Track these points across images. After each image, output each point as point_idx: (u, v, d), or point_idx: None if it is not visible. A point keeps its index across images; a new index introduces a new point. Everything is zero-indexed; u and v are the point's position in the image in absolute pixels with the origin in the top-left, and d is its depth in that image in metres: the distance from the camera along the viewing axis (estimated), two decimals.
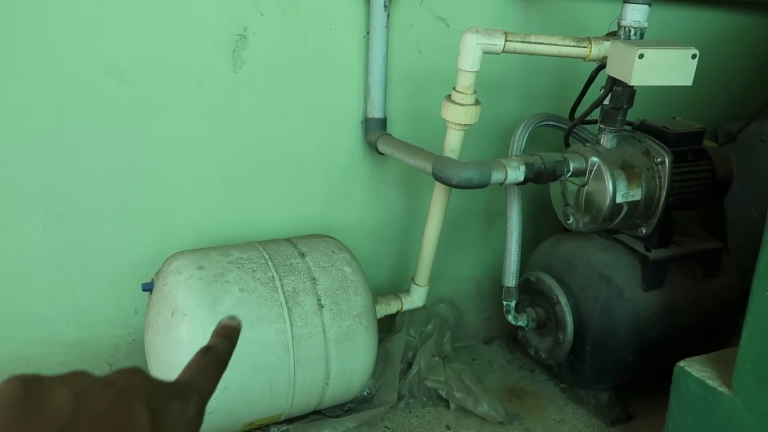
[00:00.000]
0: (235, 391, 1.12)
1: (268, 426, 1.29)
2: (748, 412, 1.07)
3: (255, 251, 1.24)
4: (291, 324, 1.17)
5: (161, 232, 1.33)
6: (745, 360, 1.06)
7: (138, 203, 1.29)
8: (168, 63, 1.23)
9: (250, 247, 1.26)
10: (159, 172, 1.29)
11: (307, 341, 1.19)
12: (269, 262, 1.22)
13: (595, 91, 1.40)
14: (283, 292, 1.19)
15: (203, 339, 1.15)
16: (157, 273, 1.22)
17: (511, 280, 1.45)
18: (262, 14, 1.28)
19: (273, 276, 1.20)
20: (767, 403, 1.04)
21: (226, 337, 0.37)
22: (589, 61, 1.28)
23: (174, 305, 1.12)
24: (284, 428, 1.29)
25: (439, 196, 1.38)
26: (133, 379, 0.30)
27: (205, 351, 0.36)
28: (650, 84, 1.17)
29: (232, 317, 0.38)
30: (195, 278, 1.14)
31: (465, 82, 1.23)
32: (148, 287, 1.22)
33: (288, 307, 1.18)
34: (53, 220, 1.23)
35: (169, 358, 1.11)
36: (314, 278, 1.24)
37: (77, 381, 0.28)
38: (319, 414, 1.36)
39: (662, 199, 1.34)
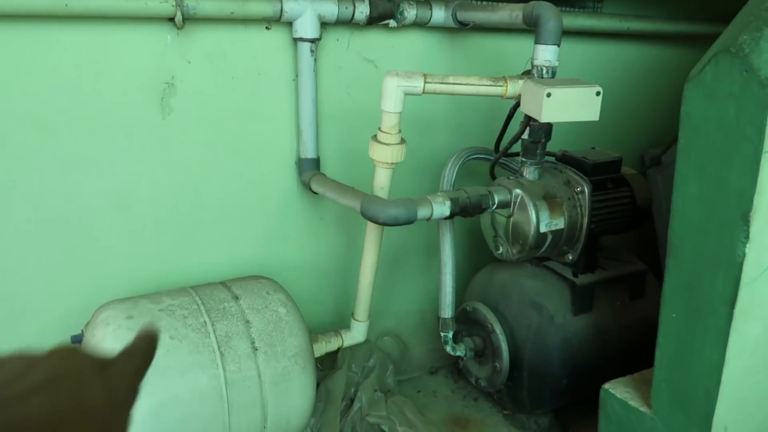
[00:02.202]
0: None
1: None
2: (666, 431, 1.12)
3: (187, 297, 1.24)
4: (224, 369, 1.17)
5: (93, 282, 1.32)
6: (660, 380, 1.11)
7: (67, 254, 1.28)
8: (94, 113, 1.24)
9: (183, 293, 1.25)
10: (88, 222, 1.28)
11: (242, 385, 1.19)
12: (201, 308, 1.22)
13: (516, 126, 1.47)
14: (216, 337, 1.19)
15: None
16: (87, 324, 1.20)
17: (447, 311, 1.48)
18: (189, 62, 1.31)
19: (205, 321, 1.20)
20: (682, 421, 1.09)
21: (146, 342, 0.41)
22: (506, 98, 1.35)
23: None
24: None
25: (371, 232, 1.41)
26: (74, 347, 0.34)
27: (135, 344, 0.40)
28: (559, 120, 1.24)
29: (149, 326, 0.43)
30: (123, 328, 1.13)
31: (389, 122, 1.28)
32: (77, 339, 1.21)
33: (221, 352, 1.18)
34: None
35: None
36: (248, 321, 1.24)
37: (22, 353, 0.32)
38: None
39: (584, 226, 1.41)
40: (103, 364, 0.35)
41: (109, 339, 1.12)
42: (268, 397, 1.22)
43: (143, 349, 0.41)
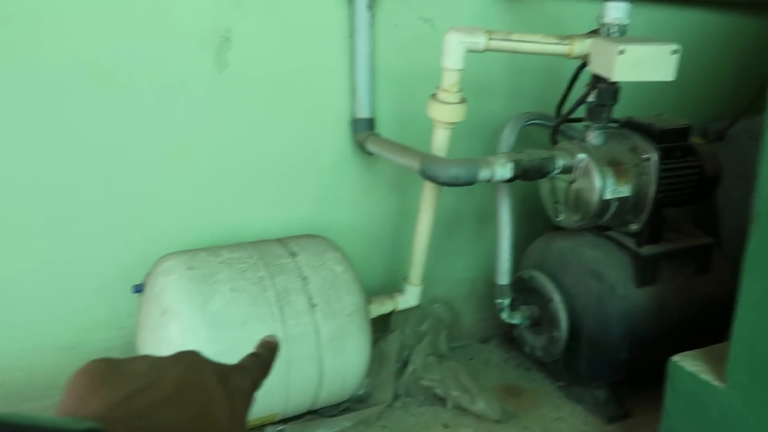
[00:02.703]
0: None
1: (263, 426, 1.29)
2: (742, 405, 1.07)
3: (245, 251, 1.25)
4: (283, 323, 1.18)
5: (151, 234, 1.34)
6: (737, 353, 1.06)
7: (128, 205, 1.31)
8: (152, 66, 1.25)
9: (240, 247, 1.27)
10: (147, 174, 1.30)
11: (300, 341, 1.20)
12: (259, 262, 1.23)
13: (580, 89, 1.42)
14: (275, 292, 1.20)
15: (194, 338, 1.15)
16: (148, 274, 1.23)
17: (503, 278, 1.45)
18: (246, 16, 1.30)
19: (263, 276, 1.21)
20: (760, 396, 1.03)
21: (268, 348, 0.41)
22: (571, 58, 1.30)
23: (164, 305, 1.13)
24: (280, 428, 1.29)
25: (429, 194, 1.39)
26: (197, 355, 0.34)
27: (253, 355, 0.40)
28: (632, 80, 1.18)
29: (272, 336, 0.43)
30: (185, 278, 1.15)
31: (450, 80, 1.25)
32: (139, 289, 1.23)
33: (279, 306, 1.19)
34: (44, 223, 1.24)
35: None
36: (305, 277, 1.24)
37: (149, 357, 0.33)
38: (314, 414, 1.36)
39: (651, 195, 1.35)
40: (223, 375, 0.34)
41: (171, 288, 1.14)
42: (325, 353, 1.23)
43: (261, 361, 0.40)
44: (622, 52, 1.15)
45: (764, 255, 1.00)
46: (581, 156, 1.32)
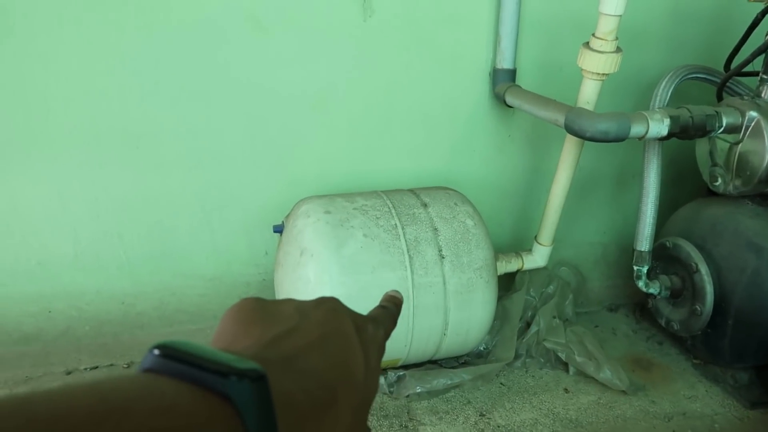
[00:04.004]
0: None
1: (385, 370, 1.33)
2: None
3: (379, 199, 1.26)
4: (412, 272, 1.19)
5: (290, 178, 1.39)
6: None
7: (270, 149, 1.36)
8: (302, 13, 1.26)
9: (374, 195, 1.28)
10: (290, 119, 1.34)
11: (427, 290, 1.20)
12: (392, 211, 1.23)
13: (758, 38, 1.25)
14: (405, 241, 1.20)
15: (328, 279, 1.18)
16: (287, 216, 1.28)
17: (644, 244, 1.35)
18: None
19: (396, 224, 1.21)
20: None
21: (394, 303, 0.42)
22: (754, 0, 1.14)
23: (302, 246, 1.18)
24: (401, 373, 1.32)
25: (569, 151, 1.31)
26: (337, 302, 0.35)
27: (381, 308, 0.41)
28: None
29: (396, 291, 0.43)
30: (323, 221, 1.18)
31: (607, 27, 1.14)
32: (279, 229, 1.29)
33: (409, 255, 1.19)
34: (196, 162, 1.33)
35: (297, 295, 1.17)
36: (436, 229, 1.24)
37: (293, 301, 0.34)
38: (434, 364, 1.38)
39: None
40: (359, 325, 0.34)
41: (309, 230, 1.19)
42: (451, 305, 1.22)
43: (391, 315, 0.40)
44: None
45: None
46: (752, 114, 1.18)
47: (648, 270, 1.38)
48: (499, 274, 1.40)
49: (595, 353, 1.38)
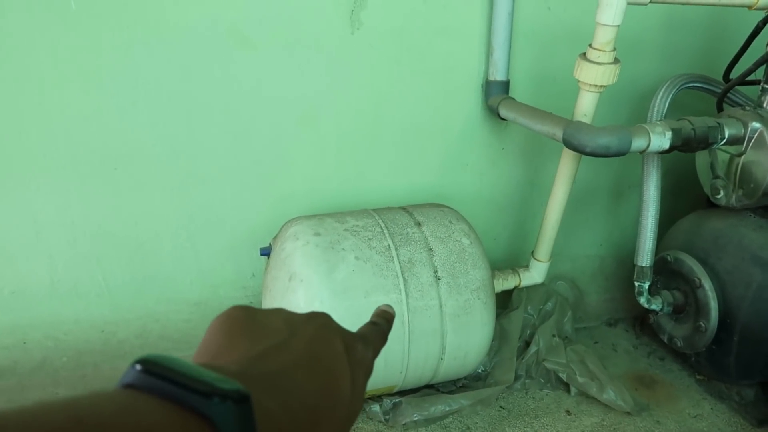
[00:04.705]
0: None
1: (380, 397, 1.27)
2: None
3: (370, 219, 1.21)
4: (407, 295, 1.14)
5: (277, 197, 1.34)
6: None
7: (256, 168, 1.30)
8: (288, 27, 1.21)
9: (366, 214, 1.23)
10: (276, 136, 1.29)
11: (423, 314, 1.15)
12: (385, 231, 1.18)
13: (759, 47, 1.22)
14: (399, 262, 1.15)
15: (319, 305, 1.12)
16: (275, 238, 1.23)
17: (645, 259, 1.31)
18: None
19: (389, 245, 1.16)
20: None
21: (385, 318, 0.41)
22: (755, 9, 1.10)
23: (292, 270, 1.12)
24: (397, 400, 1.26)
25: (566, 165, 1.27)
26: (328, 318, 0.34)
27: (372, 324, 0.39)
28: None
29: (389, 306, 0.42)
30: (312, 245, 1.13)
31: (604, 37, 1.10)
32: (266, 252, 1.23)
33: (404, 278, 1.14)
34: (178, 182, 1.27)
35: None
36: (431, 249, 1.18)
37: (283, 312, 0.33)
38: (431, 388, 1.32)
39: None
40: (349, 344, 0.33)
41: (298, 255, 1.13)
42: (448, 328, 1.17)
43: (380, 331, 0.39)
44: None
45: None
46: (755, 125, 1.14)
47: (649, 285, 1.34)
48: (496, 292, 1.35)
49: (597, 373, 1.33)
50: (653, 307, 1.35)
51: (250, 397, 0.22)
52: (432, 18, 1.28)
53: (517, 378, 1.36)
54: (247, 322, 0.30)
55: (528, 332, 1.42)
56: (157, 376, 0.22)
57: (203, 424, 0.21)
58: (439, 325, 1.17)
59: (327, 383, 0.29)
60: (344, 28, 1.25)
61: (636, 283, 1.33)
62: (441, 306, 1.16)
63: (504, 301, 1.48)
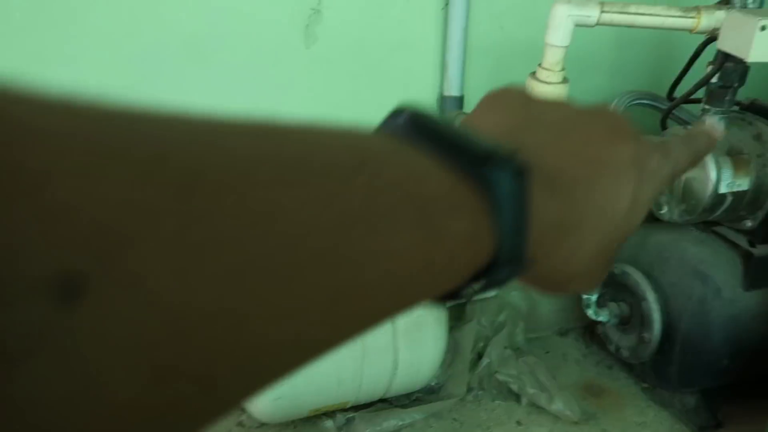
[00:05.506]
0: (302, 380, 1.10)
1: (334, 412, 1.27)
2: None
3: None
4: None
5: None
6: None
7: None
8: (240, 40, 1.19)
9: None
10: None
11: (376, 331, 1.15)
12: None
13: (700, 67, 1.26)
14: None
15: None
16: None
17: None
18: None
19: None
20: None
21: (705, 139, 0.32)
22: (696, 33, 1.14)
23: None
24: (350, 415, 1.26)
25: None
26: (618, 119, 0.27)
27: (683, 140, 0.32)
28: None
29: (715, 125, 0.35)
30: None
31: (553, 57, 1.13)
32: None
33: None
34: None
35: None
36: None
37: (563, 106, 0.27)
38: (385, 402, 1.33)
39: None
40: (639, 152, 0.27)
41: None
42: (401, 345, 1.18)
43: (692, 150, 0.31)
44: (764, 28, 0.99)
45: None
46: None
47: (598, 297, 1.38)
48: (449, 305, 1.37)
49: (547, 384, 1.36)
50: (600, 318, 1.38)
51: (528, 170, 0.19)
52: (388, 34, 1.29)
53: (469, 390, 1.38)
54: (523, 109, 0.26)
55: (481, 344, 1.44)
56: (427, 132, 0.20)
57: (474, 192, 0.19)
58: (391, 342, 1.17)
59: (600, 191, 0.25)
60: (299, 43, 1.24)
61: (583, 296, 1.37)
62: (393, 323, 1.17)
63: (459, 313, 1.49)
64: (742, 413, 1.40)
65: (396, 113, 0.21)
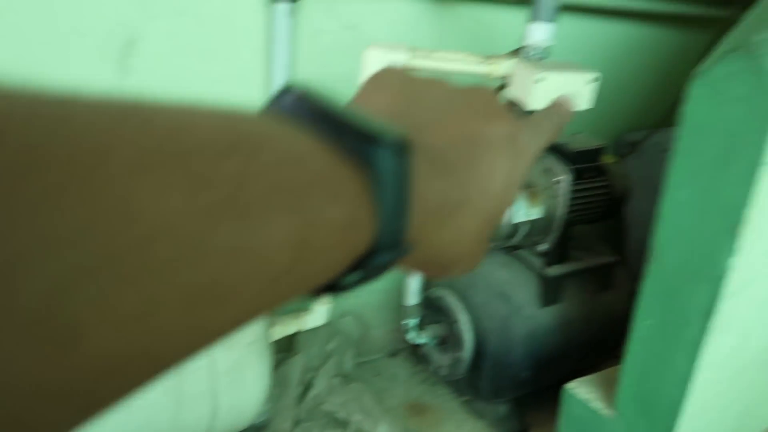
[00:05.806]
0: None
1: None
2: None
3: None
4: None
5: None
6: (627, 384, 1.09)
7: None
8: (48, 73, 1.09)
9: None
10: None
11: (193, 376, 1.10)
12: None
13: None
14: None
15: None
16: None
17: (411, 298, 1.42)
18: (153, 19, 1.16)
19: None
20: (644, 426, 1.07)
21: (562, 110, 0.34)
22: (493, 79, 1.26)
23: None
24: None
25: None
26: (492, 97, 0.28)
27: (545, 113, 0.33)
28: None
29: (566, 97, 0.36)
30: None
31: None
32: None
33: None
34: None
35: None
36: None
37: (442, 85, 0.28)
38: None
39: (561, 216, 1.36)
40: (512, 130, 0.28)
41: None
42: (221, 388, 1.14)
43: (554, 124, 0.33)
44: (538, 80, 1.12)
45: (658, 294, 1.02)
46: None
47: (419, 321, 1.46)
48: (277, 338, 1.36)
49: (372, 409, 1.41)
50: (421, 341, 1.46)
51: (410, 153, 0.19)
52: (211, 67, 1.24)
53: (297, 423, 1.37)
54: (405, 90, 0.26)
55: (310, 375, 1.44)
56: (312, 109, 0.19)
57: (356, 170, 0.18)
58: (210, 386, 1.13)
59: (480, 169, 0.25)
60: (112, 75, 1.15)
61: (402, 322, 1.44)
62: (212, 365, 1.13)
63: (288, 345, 1.48)
64: (546, 417, 1.55)
65: (282, 93, 0.20)
